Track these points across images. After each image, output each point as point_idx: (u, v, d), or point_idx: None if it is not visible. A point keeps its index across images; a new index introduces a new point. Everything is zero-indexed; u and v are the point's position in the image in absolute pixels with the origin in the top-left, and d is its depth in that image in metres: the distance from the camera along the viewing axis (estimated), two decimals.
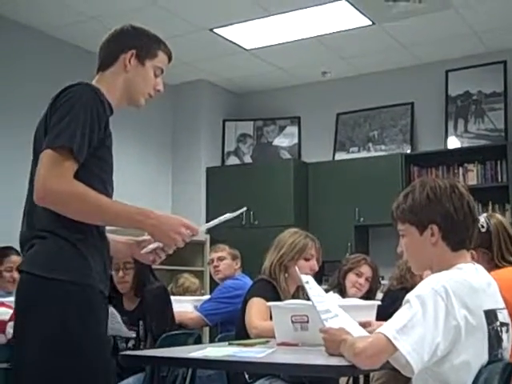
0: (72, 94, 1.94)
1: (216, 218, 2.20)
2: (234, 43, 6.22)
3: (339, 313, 2.23)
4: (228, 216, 2.20)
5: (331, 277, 4.13)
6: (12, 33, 5.62)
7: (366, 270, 3.97)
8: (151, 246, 2.15)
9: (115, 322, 3.33)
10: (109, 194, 2.03)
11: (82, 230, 1.93)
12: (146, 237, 2.19)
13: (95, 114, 1.93)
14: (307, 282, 2.33)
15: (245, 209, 2.25)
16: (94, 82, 2.12)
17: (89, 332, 1.89)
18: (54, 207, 1.88)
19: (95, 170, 1.97)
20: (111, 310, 3.27)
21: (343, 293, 3.92)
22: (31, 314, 1.89)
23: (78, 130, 1.88)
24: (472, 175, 6.22)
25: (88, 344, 1.88)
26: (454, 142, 6.43)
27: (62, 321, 1.86)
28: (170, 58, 2.25)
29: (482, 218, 2.57)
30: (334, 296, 3.80)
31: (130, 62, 2.14)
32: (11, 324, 3.16)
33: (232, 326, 3.85)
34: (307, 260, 3.25)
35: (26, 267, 1.93)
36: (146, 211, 1.99)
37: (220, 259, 4.64)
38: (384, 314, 2.45)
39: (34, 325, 1.87)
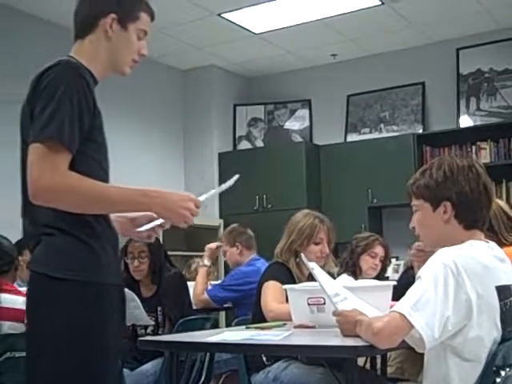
0: (52, 76, 1.78)
1: (216, 191, 2.10)
2: (243, 27, 6.20)
3: (348, 295, 2.24)
4: (223, 187, 2.05)
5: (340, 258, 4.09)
6: (15, 22, 5.60)
7: (379, 250, 3.96)
8: (151, 224, 2.03)
9: (136, 308, 3.35)
10: (107, 174, 1.93)
11: (88, 222, 1.83)
12: (140, 213, 2.05)
13: (82, 96, 1.78)
14: (313, 269, 2.34)
15: (237, 176, 2.06)
16: (72, 53, 1.95)
17: (101, 331, 1.82)
18: (50, 204, 1.76)
19: (90, 153, 1.84)
20: (132, 296, 3.30)
21: (357, 275, 3.92)
22: (42, 315, 1.81)
23: (65, 117, 1.74)
24: (485, 153, 6.18)
25: (96, 348, 1.81)
26: (466, 121, 6.40)
27: (77, 322, 1.79)
28: (152, 18, 2.04)
29: None
30: (347, 279, 3.81)
31: (111, 27, 1.94)
32: None
33: (247, 310, 3.89)
34: (317, 244, 3.25)
35: (34, 266, 1.83)
36: (149, 191, 1.86)
37: (224, 254, 4.69)
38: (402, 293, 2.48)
39: (46, 326, 1.80)
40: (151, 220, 2.05)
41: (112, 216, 1.98)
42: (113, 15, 1.94)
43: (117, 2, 1.97)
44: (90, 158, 1.85)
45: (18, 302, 3.22)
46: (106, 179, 1.90)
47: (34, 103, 1.80)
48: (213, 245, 4.62)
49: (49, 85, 1.77)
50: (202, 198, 1.98)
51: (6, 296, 3.18)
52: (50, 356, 1.78)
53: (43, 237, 1.82)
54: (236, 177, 2.05)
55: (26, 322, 1.93)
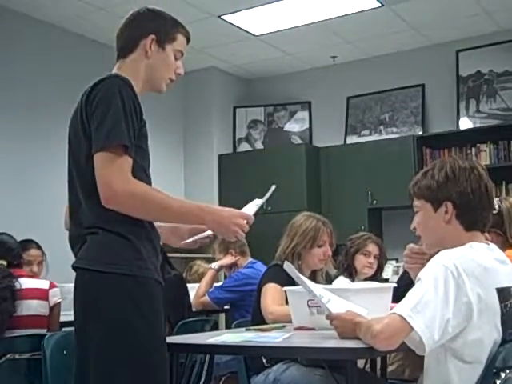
0: (105, 89, 1.91)
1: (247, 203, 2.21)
2: (243, 29, 6.20)
3: (331, 296, 2.21)
4: (263, 199, 2.20)
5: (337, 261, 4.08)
6: (17, 24, 5.61)
7: (372, 248, 3.95)
8: (196, 237, 2.19)
9: None
10: (150, 180, 2.03)
11: (131, 222, 1.91)
12: (186, 225, 2.21)
13: (132, 105, 1.92)
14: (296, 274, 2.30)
15: (274, 187, 2.19)
16: (115, 70, 2.10)
17: (146, 322, 1.90)
18: (121, 208, 1.87)
19: (138, 160, 1.96)
20: None
21: (353, 275, 3.91)
22: (90, 309, 1.89)
23: (123, 125, 1.87)
24: (485, 155, 6.18)
25: (145, 334, 1.89)
26: (465, 123, 6.40)
27: (121, 313, 1.86)
28: (188, 40, 2.21)
29: (495, 201, 2.62)
30: (343, 281, 3.80)
31: (150, 47, 2.10)
32: (53, 291, 3.46)
33: (244, 312, 3.89)
34: (320, 246, 3.26)
35: (78, 263, 1.93)
36: (204, 206, 2.00)
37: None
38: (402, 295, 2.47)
39: (94, 320, 1.87)
40: (194, 232, 2.21)
41: (162, 225, 2.12)
42: (152, 36, 2.11)
43: (156, 24, 2.13)
44: (137, 164, 1.96)
45: (36, 282, 3.47)
46: (149, 185, 2.00)
47: (88, 115, 1.91)
48: (228, 261, 4.60)
49: (103, 97, 1.90)
50: (250, 213, 2.10)
51: (23, 280, 3.36)
52: (96, 349, 1.86)
53: (87, 236, 1.92)
54: (273, 187, 2.18)
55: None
